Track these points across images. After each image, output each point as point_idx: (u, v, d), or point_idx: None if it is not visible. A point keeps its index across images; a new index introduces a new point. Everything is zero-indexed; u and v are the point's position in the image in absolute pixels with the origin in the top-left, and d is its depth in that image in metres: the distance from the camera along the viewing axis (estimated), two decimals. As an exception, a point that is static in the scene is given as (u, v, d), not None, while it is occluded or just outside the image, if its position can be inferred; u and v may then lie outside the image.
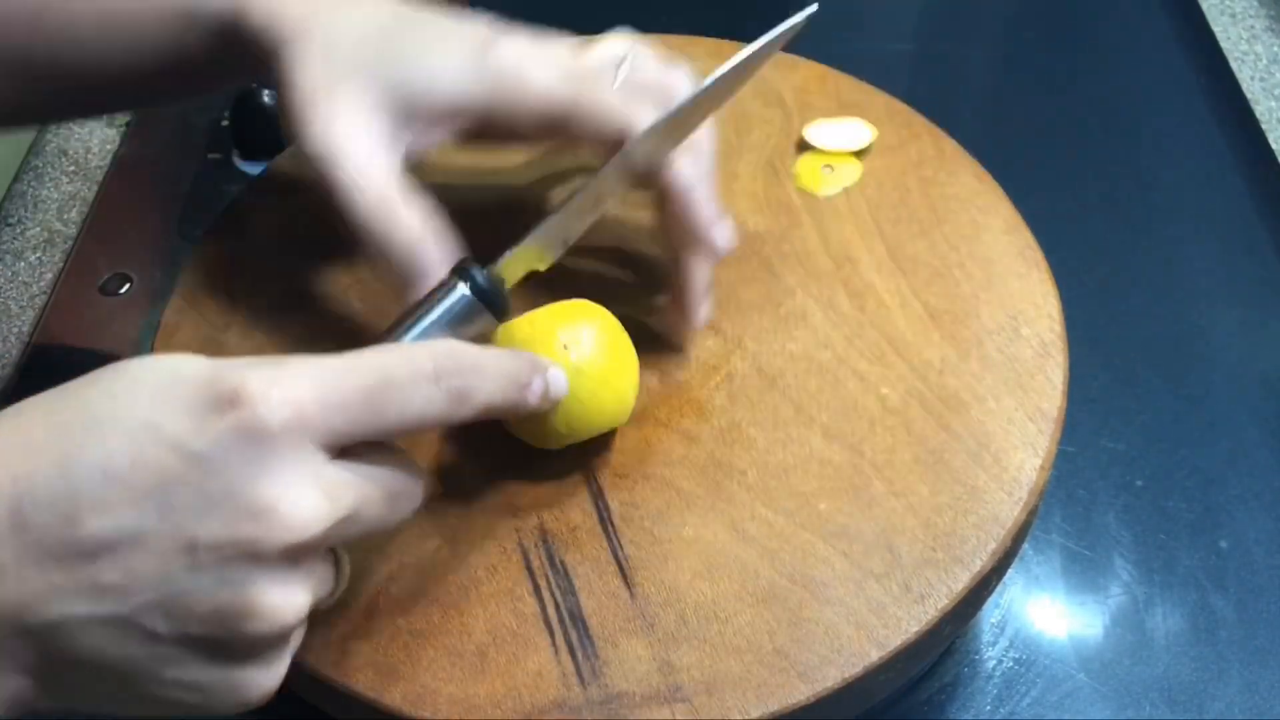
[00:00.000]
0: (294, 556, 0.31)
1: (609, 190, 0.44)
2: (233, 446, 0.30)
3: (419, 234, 0.42)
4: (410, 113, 0.43)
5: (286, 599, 0.31)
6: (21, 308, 0.64)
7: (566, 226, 0.44)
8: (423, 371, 0.34)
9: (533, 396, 0.37)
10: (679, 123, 0.43)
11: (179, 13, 0.45)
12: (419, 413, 0.34)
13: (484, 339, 0.41)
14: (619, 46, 0.48)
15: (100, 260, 0.67)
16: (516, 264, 0.42)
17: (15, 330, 0.63)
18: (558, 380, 0.39)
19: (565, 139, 0.45)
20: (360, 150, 0.42)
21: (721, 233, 0.45)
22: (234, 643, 0.31)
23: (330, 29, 0.43)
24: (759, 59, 0.44)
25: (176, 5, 0.45)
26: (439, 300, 0.40)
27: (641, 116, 0.43)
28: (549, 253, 0.44)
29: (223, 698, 0.32)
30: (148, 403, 0.31)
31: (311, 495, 0.31)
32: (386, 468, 0.34)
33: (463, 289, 0.40)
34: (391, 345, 0.36)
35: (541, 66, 0.44)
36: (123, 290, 0.64)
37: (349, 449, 0.33)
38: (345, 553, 0.35)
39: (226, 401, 0.31)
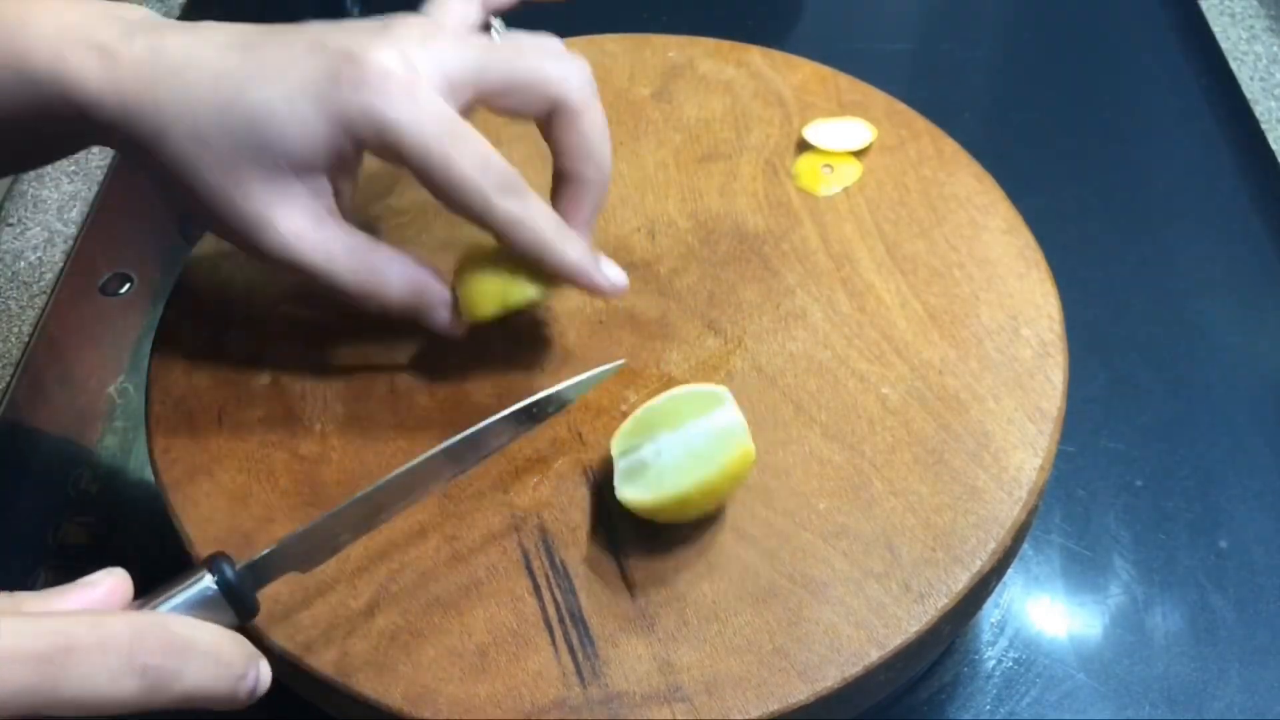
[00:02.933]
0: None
1: (387, 504, 0.39)
2: None
3: (410, 275, 0.43)
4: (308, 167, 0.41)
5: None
6: (21, 308, 0.64)
7: (335, 535, 0.38)
8: (115, 642, 0.30)
9: (245, 687, 0.33)
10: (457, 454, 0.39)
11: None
12: (103, 692, 0.30)
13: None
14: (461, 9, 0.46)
15: (100, 260, 0.67)
16: (272, 565, 0.37)
17: (15, 330, 0.63)
18: (267, 674, 0.34)
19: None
20: (309, 231, 0.41)
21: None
22: None
23: (185, 106, 0.40)
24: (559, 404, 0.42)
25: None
26: (180, 589, 0.35)
27: (564, 72, 0.42)
28: (313, 558, 0.38)
29: None
30: None
31: None
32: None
33: (208, 581, 0.35)
34: (89, 610, 0.32)
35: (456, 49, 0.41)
36: (123, 290, 0.64)
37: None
38: None
39: None
